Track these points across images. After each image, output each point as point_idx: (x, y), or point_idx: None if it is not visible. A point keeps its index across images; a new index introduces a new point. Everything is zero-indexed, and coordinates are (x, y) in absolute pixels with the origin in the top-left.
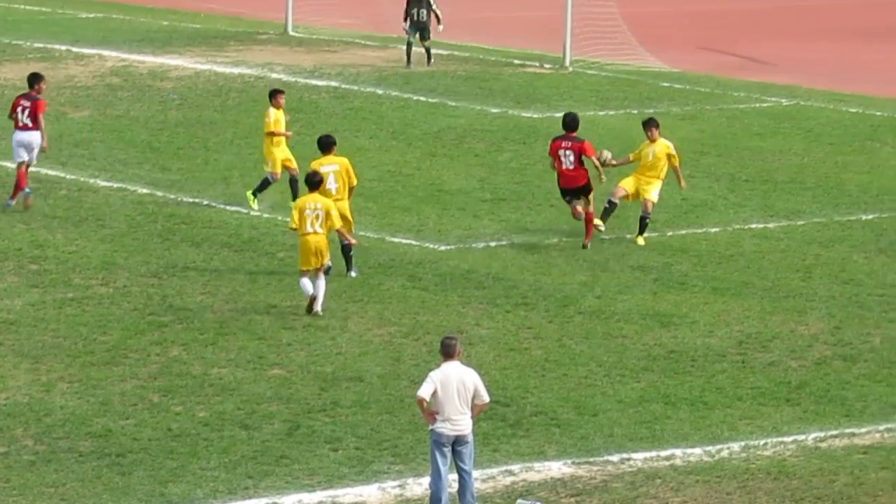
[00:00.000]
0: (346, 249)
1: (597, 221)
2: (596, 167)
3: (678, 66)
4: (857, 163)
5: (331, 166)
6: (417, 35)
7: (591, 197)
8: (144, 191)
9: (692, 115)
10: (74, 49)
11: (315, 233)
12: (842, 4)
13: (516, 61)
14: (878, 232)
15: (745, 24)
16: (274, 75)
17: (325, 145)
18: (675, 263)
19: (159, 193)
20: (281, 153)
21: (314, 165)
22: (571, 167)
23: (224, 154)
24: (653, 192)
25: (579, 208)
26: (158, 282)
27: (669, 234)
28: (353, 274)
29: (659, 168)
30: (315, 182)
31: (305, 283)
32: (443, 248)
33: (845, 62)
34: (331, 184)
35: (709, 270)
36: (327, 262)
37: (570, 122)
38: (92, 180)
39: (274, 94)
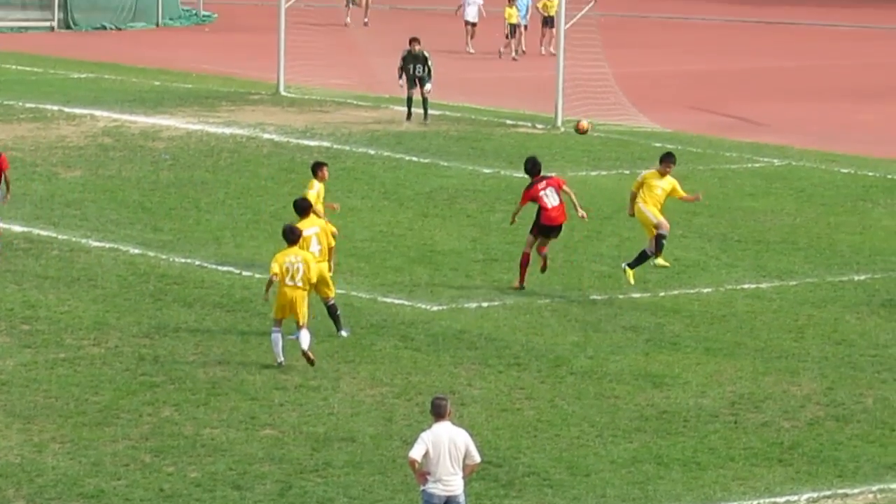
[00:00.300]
0: (332, 310)
1: (659, 261)
2: (572, 201)
3: (670, 126)
4: (850, 223)
5: (312, 229)
6: (417, 86)
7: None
8: (136, 251)
9: (684, 176)
10: (66, 109)
11: (295, 286)
12: (833, 65)
13: (508, 121)
14: (871, 292)
15: (737, 84)
16: (266, 135)
17: (303, 209)
18: (667, 324)
19: (151, 254)
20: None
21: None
22: (557, 203)
23: (216, 214)
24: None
25: (545, 250)
26: (150, 342)
27: (661, 294)
28: (344, 334)
29: (663, 203)
30: (295, 238)
31: (276, 338)
32: (435, 308)
33: (837, 122)
34: (314, 246)
35: (701, 331)
36: (304, 328)
37: (534, 167)
38: (84, 240)
39: (318, 167)
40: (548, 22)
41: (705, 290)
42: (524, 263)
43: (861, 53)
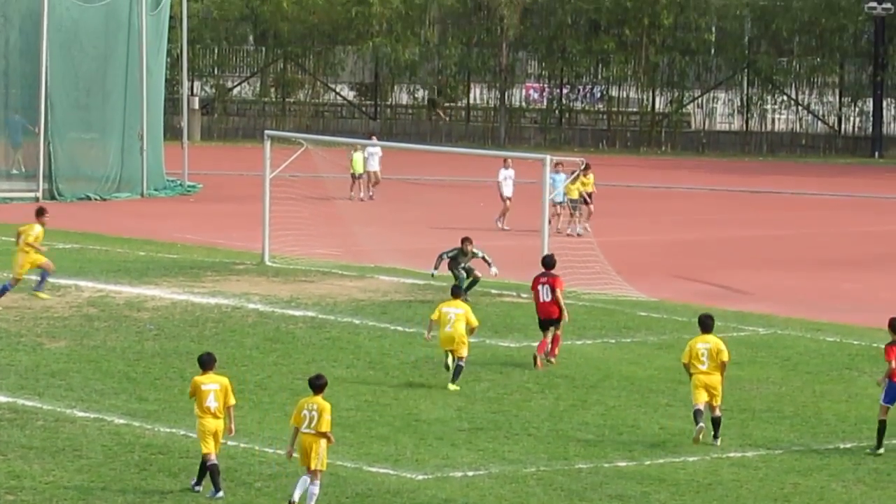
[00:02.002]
0: (213, 469)
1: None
2: (561, 301)
3: (655, 294)
4: (835, 392)
5: (212, 385)
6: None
7: (560, 325)
8: (121, 421)
9: (669, 344)
10: (51, 279)
11: (310, 434)
12: (817, 233)
13: (493, 291)
14: (857, 461)
15: (722, 253)
16: (251, 305)
17: (207, 363)
18: (653, 493)
19: (136, 423)
20: None
21: (197, 381)
22: (549, 299)
23: None
24: (719, 397)
25: (550, 336)
26: None
27: (647, 462)
28: (220, 495)
29: (716, 365)
30: (320, 385)
31: (301, 481)
32: (420, 477)
33: (822, 291)
34: (211, 402)
35: (687, 499)
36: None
37: (548, 261)
38: (69, 410)
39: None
40: (584, 199)
41: (691, 459)
42: (541, 348)
43: (844, 222)
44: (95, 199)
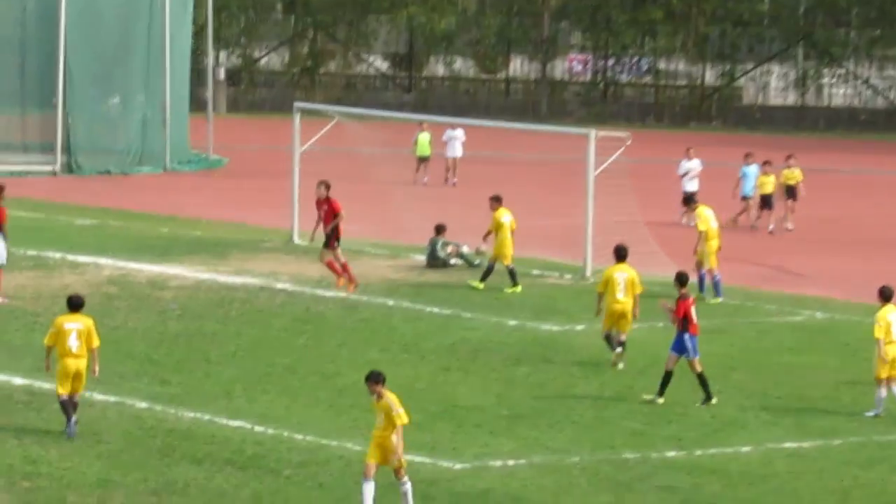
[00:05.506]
0: (66, 404)
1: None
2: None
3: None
4: None
5: (75, 324)
6: None
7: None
8: (143, 405)
9: (721, 329)
10: (69, 257)
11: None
12: (876, 214)
13: (535, 272)
14: None
15: (777, 235)
16: (279, 285)
17: (75, 305)
18: (704, 484)
19: (158, 408)
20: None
21: (60, 321)
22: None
23: (226, 367)
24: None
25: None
26: (157, 500)
27: (698, 452)
28: (74, 419)
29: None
30: (379, 378)
31: (368, 488)
32: (458, 466)
33: (882, 274)
34: (73, 341)
35: (740, 492)
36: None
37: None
38: (88, 394)
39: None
40: (791, 193)
41: (744, 449)
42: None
43: None
44: (116, 174)
